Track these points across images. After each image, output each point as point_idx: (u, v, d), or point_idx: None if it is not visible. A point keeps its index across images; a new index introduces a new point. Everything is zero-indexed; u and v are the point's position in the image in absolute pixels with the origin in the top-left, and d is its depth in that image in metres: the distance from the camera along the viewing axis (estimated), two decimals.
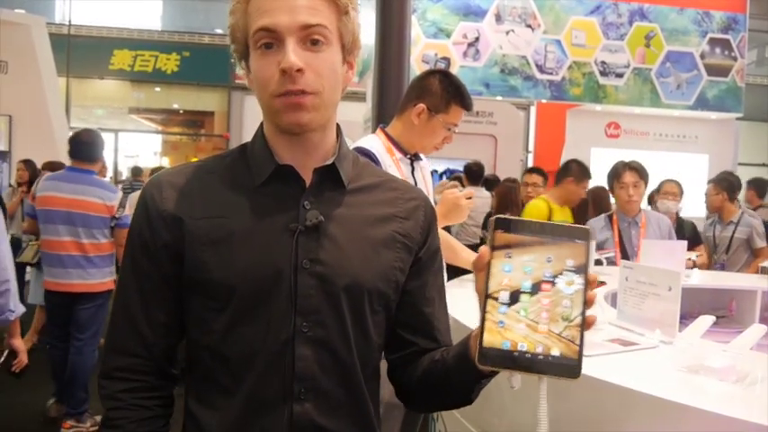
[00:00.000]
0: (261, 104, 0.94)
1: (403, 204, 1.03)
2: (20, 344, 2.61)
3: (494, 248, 0.79)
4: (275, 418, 0.91)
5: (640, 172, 3.31)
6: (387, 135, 2.16)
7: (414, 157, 2.18)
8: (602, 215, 3.51)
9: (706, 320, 1.49)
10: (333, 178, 0.97)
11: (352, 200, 0.99)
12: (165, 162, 12.49)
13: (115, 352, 0.96)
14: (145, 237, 0.94)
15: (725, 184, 4.50)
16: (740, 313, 2.78)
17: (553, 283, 0.78)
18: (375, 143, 2.09)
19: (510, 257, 0.78)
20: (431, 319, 1.05)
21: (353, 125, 5.40)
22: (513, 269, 0.78)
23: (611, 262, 3.02)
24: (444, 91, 2.08)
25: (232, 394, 0.92)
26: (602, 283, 1.99)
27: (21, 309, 2.52)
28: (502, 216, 0.80)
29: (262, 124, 1.00)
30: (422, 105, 2.08)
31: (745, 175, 12.69)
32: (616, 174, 3.37)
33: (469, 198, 2.07)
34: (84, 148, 3.47)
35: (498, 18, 8.96)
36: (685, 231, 4.15)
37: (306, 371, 0.91)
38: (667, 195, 4.26)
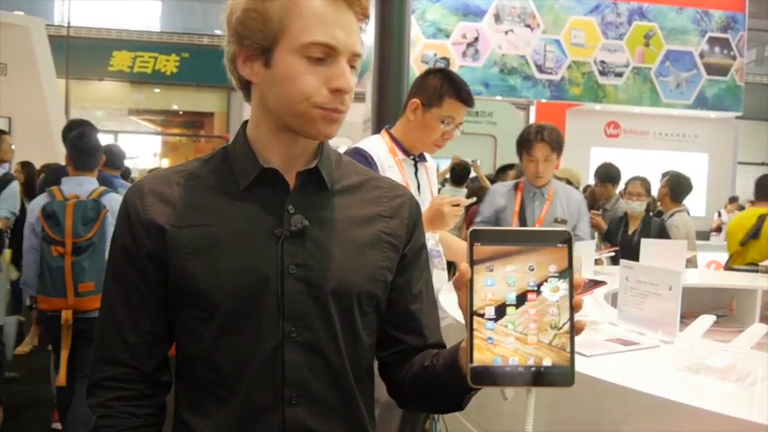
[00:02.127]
0: (285, 107, 0.90)
1: (387, 203, 1.02)
2: None
3: (474, 263, 0.76)
4: (268, 423, 0.91)
5: (552, 144, 2.81)
6: (390, 136, 2.15)
7: (418, 158, 2.16)
8: (511, 182, 3.09)
9: (706, 320, 1.49)
10: (316, 181, 0.96)
11: (337, 202, 0.98)
12: (165, 163, 12.49)
13: (104, 362, 0.95)
14: (128, 246, 0.93)
15: (673, 183, 4.54)
16: (740, 312, 2.78)
17: (538, 292, 0.76)
18: (376, 145, 2.08)
19: (491, 270, 0.76)
20: (418, 315, 1.04)
21: (353, 126, 5.40)
22: (495, 282, 0.76)
23: (613, 261, 3.02)
24: (438, 85, 2.06)
25: (225, 401, 0.92)
26: (603, 282, 1.99)
27: None
28: (477, 228, 0.78)
29: (243, 126, 0.99)
30: (416, 101, 2.07)
31: (745, 174, 12.67)
32: (526, 144, 2.84)
33: (456, 206, 2.00)
34: (117, 158, 4.00)
35: (497, 18, 8.97)
36: (651, 230, 4.05)
37: (296, 376, 0.91)
38: (631, 196, 4.11)
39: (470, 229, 0.77)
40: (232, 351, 0.91)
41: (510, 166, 4.31)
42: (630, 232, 4.00)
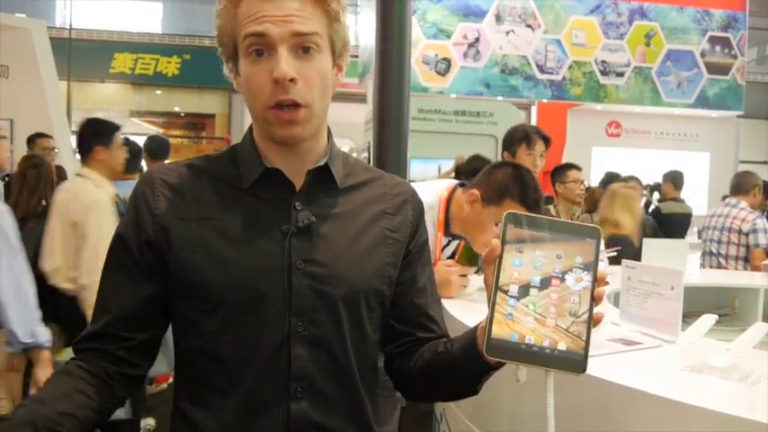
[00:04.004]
0: (252, 112, 0.94)
1: (391, 200, 1.04)
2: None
3: (505, 242, 0.80)
4: (272, 417, 0.92)
5: (547, 143, 3.07)
6: (447, 209, 1.95)
7: (456, 237, 2.01)
8: None
9: (708, 319, 1.49)
10: (325, 178, 0.98)
11: (343, 199, 1.00)
12: None
13: (82, 337, 0.97)
14: (128, 232, 0.95)
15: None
16: (743, 311, 2.78)
17: (562, 279, 0.79)
18: (430, 210, 1.84)
19: (521, 252, 0.80)
20: (424, 308, 1.06)
21: (355, 126, 5.41)
22: (523, 263, 0.80)
23: (613, 261, 3.01)
24: (504, 182, 1.84)
25: (228, 395, 0.92)
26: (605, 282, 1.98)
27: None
28: (513, 212, 0.81)
29: (251, 126, 1.01)
30: (476, 192, 1.88)
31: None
32: (526, 138, 3.01)
33: (463, 276, 1.90)
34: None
35: (498, 18, 8.96)
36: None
37: (301, 370, 0.92)
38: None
39: (507, 212, 0.81)
40: (236, 345, 0.92)
41: (570, 166, 3.84)
42: None
